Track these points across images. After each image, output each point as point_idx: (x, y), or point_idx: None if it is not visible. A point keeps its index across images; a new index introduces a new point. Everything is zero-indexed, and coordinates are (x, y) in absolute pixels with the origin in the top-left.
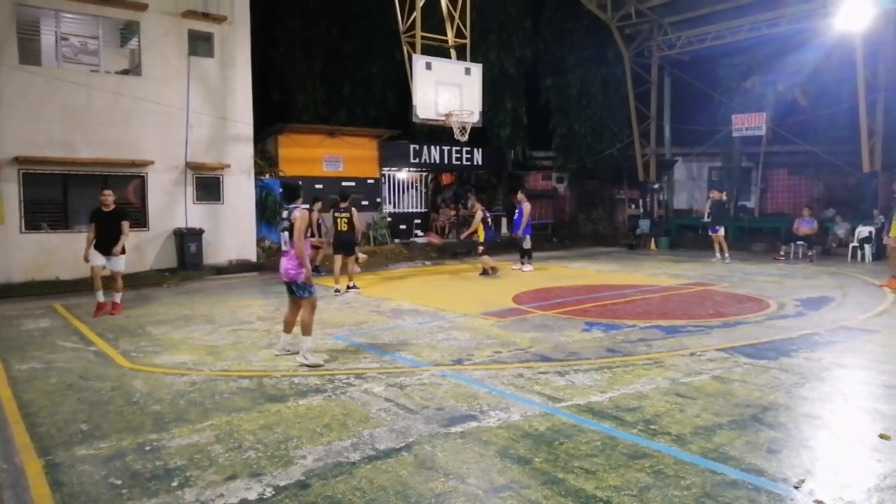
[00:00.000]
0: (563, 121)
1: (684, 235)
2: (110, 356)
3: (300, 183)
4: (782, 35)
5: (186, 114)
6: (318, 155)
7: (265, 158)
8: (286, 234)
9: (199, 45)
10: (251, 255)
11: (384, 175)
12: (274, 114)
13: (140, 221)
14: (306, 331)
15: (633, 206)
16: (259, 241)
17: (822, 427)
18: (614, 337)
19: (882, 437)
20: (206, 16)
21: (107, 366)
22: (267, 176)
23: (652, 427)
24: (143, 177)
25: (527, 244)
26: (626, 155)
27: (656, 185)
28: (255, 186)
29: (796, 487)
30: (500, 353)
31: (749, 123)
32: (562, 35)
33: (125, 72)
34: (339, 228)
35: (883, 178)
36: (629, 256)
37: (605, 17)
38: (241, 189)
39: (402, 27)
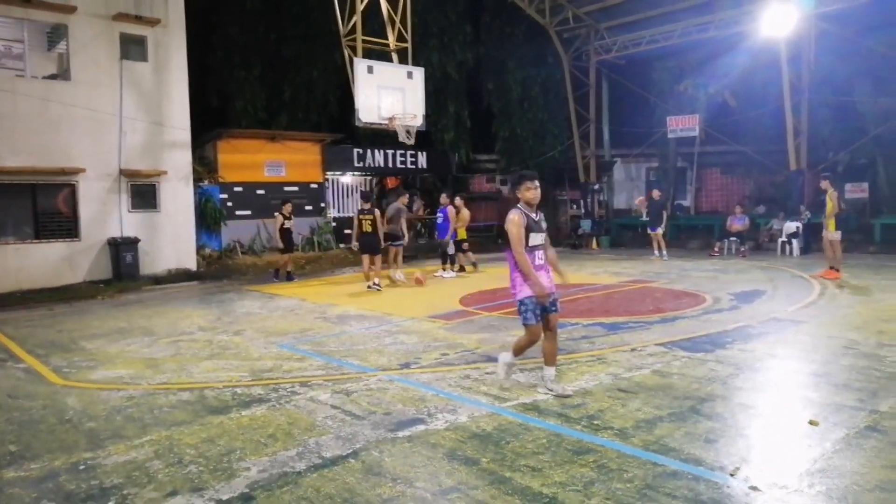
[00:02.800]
0: (506, 124)
1: (624, 234)
2: (41, 373)
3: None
4: (712, 39)
5: (119, 119)
6: (259, 160)
7: (204, 164)
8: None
9: (132, 48)
10: (191, 263)
11: (328, 179)
12: (212, 119)
13: (72, 231)
14: (515, 350)
15: (575, 206)
16: (199, 249)
17: (756, 416)
18: (558, 335)
19: (811, 423)
20: (138, 18)
21: (37, 383)
22: (206, 182)
23: (595, 422)
24: (74, 185)
25: (451, 249)
26: (567, 157)
27: (597, 186)
28: (195, 193)
29: (732, 475)
30: (448, 355)
31: (683, 125)
32: (502, 39)
33: (53, 76)
34: (364, 230)
35: (808, 176)
36: (572, 256)
37: (543, 22)
38: (178, 196)
39: (342, 31)
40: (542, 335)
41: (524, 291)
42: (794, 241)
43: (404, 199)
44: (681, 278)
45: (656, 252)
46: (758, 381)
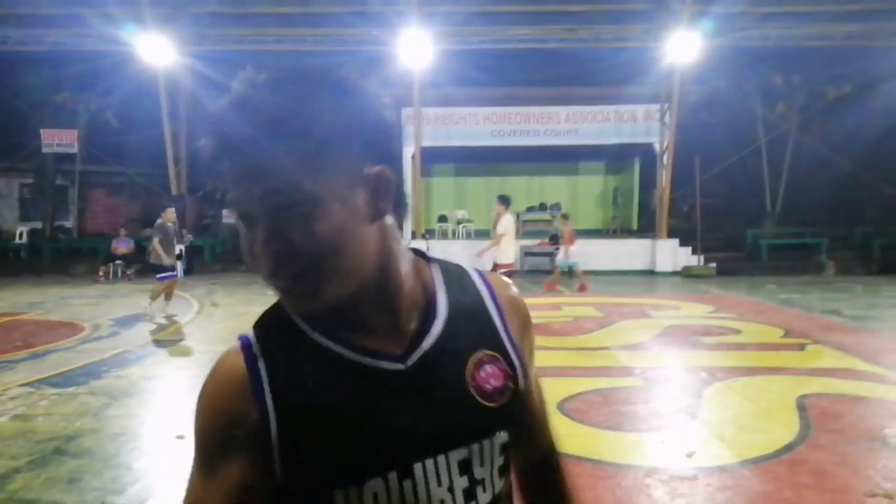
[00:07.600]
0: None
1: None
2: None
3: None
4: (95, 55)
5: None
6: None
7: None
8: None
9: None
10: None
11: None
12: None
13: None
14: None
15: None
16: None
17: (126, 441)
18: None
19: (179, 437)
20: None
21: None
22: None
23: None
24: None
25: None
26: None
27: None
28: None
29: None
30: None
31: (60, 139)
32: None
33: None
34: None
35: (190, 201)
36: None
37: None
38: None
39: None
40: None
41: None
42: (179, 264)
43: None
44: (58, 307)
45: None
46: (132, 407)
